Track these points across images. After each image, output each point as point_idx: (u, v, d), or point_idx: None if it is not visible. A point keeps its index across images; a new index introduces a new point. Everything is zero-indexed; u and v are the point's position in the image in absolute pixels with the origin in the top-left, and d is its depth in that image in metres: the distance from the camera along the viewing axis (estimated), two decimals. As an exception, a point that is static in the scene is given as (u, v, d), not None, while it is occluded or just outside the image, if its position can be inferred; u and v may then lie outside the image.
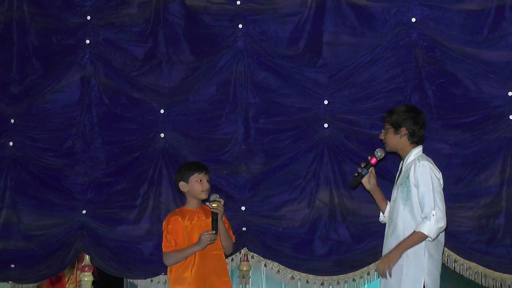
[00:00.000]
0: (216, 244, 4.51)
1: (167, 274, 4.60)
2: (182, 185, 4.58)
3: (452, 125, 4.79)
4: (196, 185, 4.55)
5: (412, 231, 4.14)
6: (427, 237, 4.10)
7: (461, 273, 4.73)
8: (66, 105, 5.33)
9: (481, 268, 4.70)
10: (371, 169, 4.47)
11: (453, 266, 4.73)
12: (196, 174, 4.56)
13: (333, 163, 4.93)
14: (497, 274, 4.68)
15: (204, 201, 4.61)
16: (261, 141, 5.04)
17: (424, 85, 4.83)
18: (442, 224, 4.12)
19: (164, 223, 4.58)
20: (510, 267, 4.66)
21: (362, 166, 4.47)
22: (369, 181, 4.48)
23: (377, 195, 4.51)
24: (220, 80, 5.13)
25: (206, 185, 4.56)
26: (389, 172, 4.76)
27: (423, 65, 4.83)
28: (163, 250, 4.52)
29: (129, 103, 5.25)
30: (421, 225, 4.11)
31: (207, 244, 4.44)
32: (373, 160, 4.47)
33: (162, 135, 5.15)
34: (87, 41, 5.31)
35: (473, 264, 4.71)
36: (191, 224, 4.52)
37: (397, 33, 4.89)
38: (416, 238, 4.12)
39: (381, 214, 4.53)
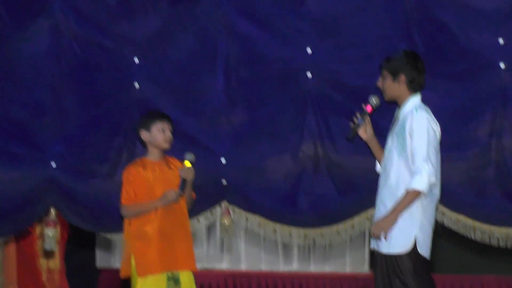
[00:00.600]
0: (180, 199, 4.39)
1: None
2: (143, 133, 4.43)
3: (441, 74, 4.61)
4: (158, 134, 4.41)
5: (405, 184, 3.98)
6: (420, 193, 3.93)
7: (449, 227, 4.60)
8: (34, 54, 5.00)
9: (469, 221, 4.57)
10: (367, 118, 4.28)
11: (442, 219, 4.58)
12: (158, 123, 4.40)
13: (317, 114, 4.73)
14: (486, 227, 4.55)
15: (166, 152, 4.47)
16: (242, 92, 4.82)
17: (412, 33, 4.65)
18: (434, 179, 3.97)
19: (124, 173, 4.44)
20: (499, 219, 4.55)
21: (357, 115, 4.27)
22: (365, 130, 4.30)
23: (374, 145, 4.33)
24: (198, 28, 4.88)
25: (169, 135, 4.42)
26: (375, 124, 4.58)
27: (411, 11, 4.65)
28: (121, 202, 4.38)
29: (101, 52, 4.96)
30: (412, 181, 3.94)
31: (170, 203, 4.32)
32: (368, 108, 4.28)
33: (136, 85, 4.90)
34: (56, -13, 5.03)
35: (461, 217, 4.58)
36: (153, 176, 4.38)
37: (385, -21, 4.72)
38: (410, 196, 3.95)
39: (377, 164, 4.34)
